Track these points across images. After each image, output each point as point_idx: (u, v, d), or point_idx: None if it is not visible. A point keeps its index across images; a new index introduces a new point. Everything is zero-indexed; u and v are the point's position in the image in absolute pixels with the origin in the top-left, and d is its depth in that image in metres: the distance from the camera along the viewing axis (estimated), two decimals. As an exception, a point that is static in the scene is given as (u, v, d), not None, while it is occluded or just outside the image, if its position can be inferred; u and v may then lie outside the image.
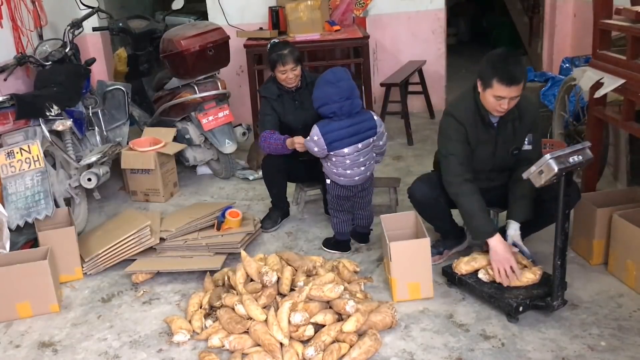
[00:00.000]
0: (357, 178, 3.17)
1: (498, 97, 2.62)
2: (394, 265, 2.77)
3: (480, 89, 2.71)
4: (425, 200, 2.99)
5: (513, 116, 2.79)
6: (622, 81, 3.01)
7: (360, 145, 3.09)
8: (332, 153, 3.09)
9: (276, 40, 3.62)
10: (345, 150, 3.07)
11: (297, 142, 3.23)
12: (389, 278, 2.86)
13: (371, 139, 3.13)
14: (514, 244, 2.81)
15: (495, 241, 2.70)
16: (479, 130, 2.82)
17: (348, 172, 3.14)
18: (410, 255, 2.77)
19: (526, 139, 2.86)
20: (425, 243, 2.78)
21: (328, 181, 3.25)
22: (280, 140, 3.31)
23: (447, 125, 2.84)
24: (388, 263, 2.84)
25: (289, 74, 3.38)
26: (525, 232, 3.00)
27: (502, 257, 2.67)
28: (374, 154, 3.24)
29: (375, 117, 3.17)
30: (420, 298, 2.81)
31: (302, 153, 3.28)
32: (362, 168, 3.16)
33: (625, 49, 3.13)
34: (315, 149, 3.10)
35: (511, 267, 2.65)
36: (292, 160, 3.50)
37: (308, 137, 3.12)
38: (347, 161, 3.11)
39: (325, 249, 3.37)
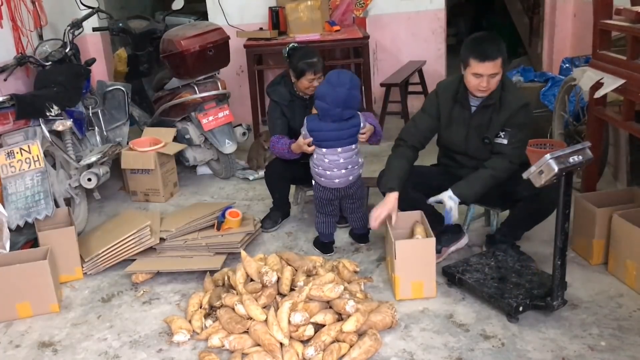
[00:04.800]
0: (336, 181, 3.13)
1: (476, 75, 2.76)
2: (398, 263, 2.76)
3: (463, 72, 2.85)
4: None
5: (492, 102, 2.86)
6: (622, 81, 3.01)
7: (339, 149, 3.08)
8: (317, 149, 3.13)
9: (295, 45, 3.52)
10: (324, 150, 3.09)
11: (304, 145, 3.17)
12: (392, 276, 2.86)
13: (353, 145, 3.11)
14: (440, 202, 2.89)
15: (390, 196, 2.92)
16: (455, 110, 2.96)
17: (327, 172, 3.12)
18: (415, 254, 2.77)
19: (502, 133, 2.89)
20: (431, 243, 2.78)
21: (314, 182, 3.26)
22: (286, 145, 3.29)
23: (429, 96, 3.10)
24: (392, 261, 2.84)
25: (314, 82, 3.33)
26: (514, 232, 3.06)
27: (385, 206, 2.90)
28: (359, 160, 3.19)
29: (362, 121, 3.10)
30: (423, 297, 2.81)
31: (304, 156, 3.28)
32: (343, 171, 3.11)
33: (625, 49, 3.13)
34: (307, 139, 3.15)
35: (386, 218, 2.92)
36: (295, 164, 3.50)
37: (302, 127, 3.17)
38: (326, 160, 3.10)
39: (313, 247, 3.39)
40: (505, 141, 2.89)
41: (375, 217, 2.91)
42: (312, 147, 3.12)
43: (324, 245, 3.36)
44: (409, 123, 3.14)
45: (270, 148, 3.48)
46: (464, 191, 2.87)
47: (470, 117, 2.93)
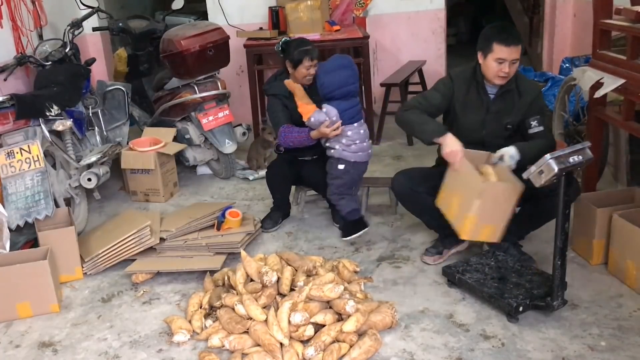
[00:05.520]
0: (369, 151, 3.36)
1: (499, 60, 2.81)
2: (480, 205, 2.65)
3: (481, 60, 2.90)
4: (403, 192, 3.11)
5: (511, 87, 2.93)
6: (622, 81, 3.01)
7: (362, 121, 3.33)
8: (346, 127, 3.24)
9: (288, 38, 3.58)
10: (355, 124, 3.28)
11: (331, 132, 3.22)
12: (464, 216, 2.71)
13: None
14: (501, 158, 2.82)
15: (447, 137, 2.83)
16: (470, 95, 2.99)
17: (364, 144, 3.31)
18: (499, 199, 2.70)
19: (534, 121, 2.95)
20: (519, 188, 2.70)
21: (341, 167, 3.28)
22: (305, 132, 3.30)
23: (443, 79, 3.13)
24: (462, 198, 2.71)
25: (311, 70, 3.39)
26: (520, 230, 3.05)
27: (452, 149, 2.80)
28: None
29: None
30: (487, 241, 2.85)
31: (307, 153, 3.30)
32: (370, 142, 3.39)
33: (625, 49, 3.13)
34: (327, 126, 3.19)
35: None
36: (298, 164, 3.50)
37: (316, 117, 3.19)
38: (362, 131, 3.30)
39: (347, 239, 3.35)
40: (541, 128, 2.95)
41: (455, 156, 2.80)
42: (339, 130, 3.21)
43: (358, 222, 3.34)
44: (416, 97, 3.16)
45: (280, 140, 3.41)
46: (525, 150, 2.83)
47: (490, 102, 2.97)
